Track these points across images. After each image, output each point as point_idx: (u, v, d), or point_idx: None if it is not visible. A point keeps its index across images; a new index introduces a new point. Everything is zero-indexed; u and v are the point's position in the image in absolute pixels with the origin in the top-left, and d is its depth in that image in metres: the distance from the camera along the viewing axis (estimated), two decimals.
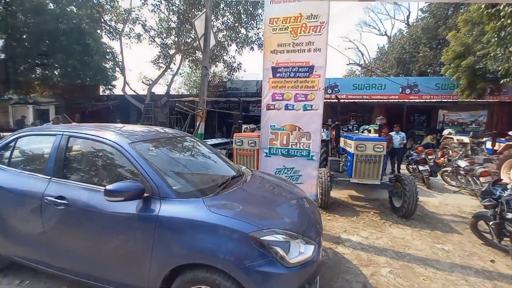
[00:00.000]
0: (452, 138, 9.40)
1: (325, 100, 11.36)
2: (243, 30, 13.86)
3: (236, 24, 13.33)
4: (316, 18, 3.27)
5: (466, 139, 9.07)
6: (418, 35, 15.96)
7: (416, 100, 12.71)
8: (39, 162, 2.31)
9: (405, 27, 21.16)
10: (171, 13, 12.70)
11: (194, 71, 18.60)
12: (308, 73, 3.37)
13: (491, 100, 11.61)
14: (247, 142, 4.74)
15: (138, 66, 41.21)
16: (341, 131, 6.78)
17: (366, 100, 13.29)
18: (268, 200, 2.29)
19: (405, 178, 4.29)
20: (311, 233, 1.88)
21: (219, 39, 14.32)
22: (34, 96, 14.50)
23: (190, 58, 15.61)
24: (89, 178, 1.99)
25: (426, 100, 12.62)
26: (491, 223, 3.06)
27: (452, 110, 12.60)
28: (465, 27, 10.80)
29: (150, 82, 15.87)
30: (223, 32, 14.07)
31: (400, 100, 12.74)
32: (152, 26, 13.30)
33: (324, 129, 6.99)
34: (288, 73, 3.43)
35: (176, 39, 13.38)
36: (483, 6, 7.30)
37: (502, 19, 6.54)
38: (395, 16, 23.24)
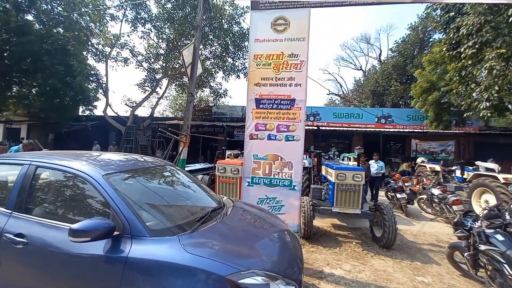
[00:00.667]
0: (425, 166, 9.96)
1: (307, 127, 11.73)
2: (230, 60, 14.51)
3: (224, 54, 13.98)
4: (297, 57, 3.53)
5: (437, 167, 9.65)
6: (389, 71, 17.63)
7: (390, 130, 13.58)
8: (1, 193, 2.11)
9: (378, 63, 23.34)
10: (160, 40, 13.11)
11: (180, 95, 18.79)
12: (289, 106, 3.54)
13: (457, 132, 12.69)
14: (230, 170, 4.71)
15: (123, 88, 40.94)
16: (322, 158, 6.98)
17: (346, 128, 13.97)
18: (248, 234, 2.22)
19: (384, 207, 4.39)
20: (292, 271, 1.82)
21: (207, 66, 14.84)
22: (6, 115, 13.68)
23: (177, 83, 15.86)
24: (55, 214, 1.85)
25: (400, 130, 13.54)
26: (465, 254, 3.15)
27: (423, 139, 13.56)
28: (429, 66, 12.12)
29: (134, 105, 15.71)
30: (211, 60, 14.64)
31: (376, 129, 13.54)
32: (140, 52, 13.56)
33: (307, 157, 7.15)
34: (271, 105, 3.57)
35: (164, 64, 13.67)
36: (444, 48, 8.32)
37: (463, 60, 7.45)
38: (368, 53, 25.55)
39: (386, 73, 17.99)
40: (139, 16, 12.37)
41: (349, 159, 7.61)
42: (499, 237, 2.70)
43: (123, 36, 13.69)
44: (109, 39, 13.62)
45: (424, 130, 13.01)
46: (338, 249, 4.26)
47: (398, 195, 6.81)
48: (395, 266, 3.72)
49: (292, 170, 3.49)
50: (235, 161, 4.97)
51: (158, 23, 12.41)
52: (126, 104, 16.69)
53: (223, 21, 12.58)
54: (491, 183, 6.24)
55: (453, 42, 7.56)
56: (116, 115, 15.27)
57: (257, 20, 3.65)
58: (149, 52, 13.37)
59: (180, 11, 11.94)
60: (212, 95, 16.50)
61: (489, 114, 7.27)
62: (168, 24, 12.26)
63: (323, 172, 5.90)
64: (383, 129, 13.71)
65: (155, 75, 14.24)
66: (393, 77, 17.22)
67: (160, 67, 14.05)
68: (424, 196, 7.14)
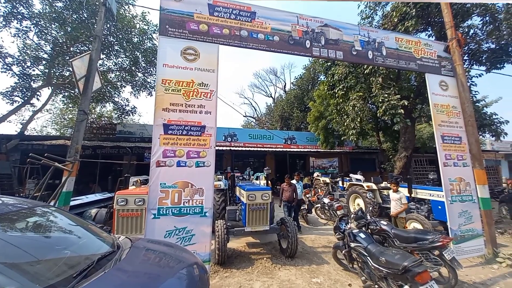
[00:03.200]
0: (319, 179, 12.16)
1: (224, 148, 11.98)
2: (140, 74, 13.31)
3: (133, 68, 12.71)
4: (207, 87, 3.69)
5: (327, 180, 11.98)
6: (292, 100, 21.03)
7: (294, 150, 15.91)
8: None
9: (283, 93, 27.41)
10: (43, 42, 10.56)
11: (71, 109, 15.39)
12: (200, 132, 3.59)
13: (338, 150, 16.31)
14: (134, 201, 4.17)
15: None
16: (237, 179, 7.29)
17: (259, 149, 15.25)
18: (150, 278, 2.00)
19: (287, 221, 5.00)
20: None
21: (111, 79, 12.99)
22: None
23: (66, 94, 12.95)
24: None
25: (301, 150, 16.08)
26: (343, 252, 3.98)
27: (317, 157, 16.61)
28: (318, 99, 15.30)
29: None
30: (116, 72, 12.96)
31: (283, 149, 15.52)
32: (9, 53, 10.35)
33: (223, 178, 7.27)
34: (181, 131, 3.51)
35: (47, 70, 10.97)
36: (326, 88, 10.77)
37: (337, 98, 9.85)
38: (276, 83, 29.72)
39: (289, 102, 21.32)
40: (15, 11, 9.61)
41: (261, 178, 8.31)
42: (362, 235, 3.60)
43: None
44: None
45: (318, 150, 16.00)
46: (251, 268, 4.44)
47: (301, 207, 7.92)
48: (297, 273, 4.22)
49: (203, 196, 3.46)
50: (140, 190, 4.45)
51: (42, 22, 10.02)
52: None
53: (133, 34, 11.58)
54: (359, 190, 8.29)
55: (331, 84, 9.98)
56: None
57: (166, 45, 3.62)
58: (24, 53, 10.43)
59: (75, 14, 10.16)
60: (116, 111, 14.37)
61: (355, 138, 9.80)
62: (57, 25, 10.12)
63: (237, 193, 6.15)
64: (289, 149, 15.89)
65: (31, 82, 11.12)
66: (295, 106, 20.59)
67: (40, 73, 11.14)
68: (319, 205, 8.62)
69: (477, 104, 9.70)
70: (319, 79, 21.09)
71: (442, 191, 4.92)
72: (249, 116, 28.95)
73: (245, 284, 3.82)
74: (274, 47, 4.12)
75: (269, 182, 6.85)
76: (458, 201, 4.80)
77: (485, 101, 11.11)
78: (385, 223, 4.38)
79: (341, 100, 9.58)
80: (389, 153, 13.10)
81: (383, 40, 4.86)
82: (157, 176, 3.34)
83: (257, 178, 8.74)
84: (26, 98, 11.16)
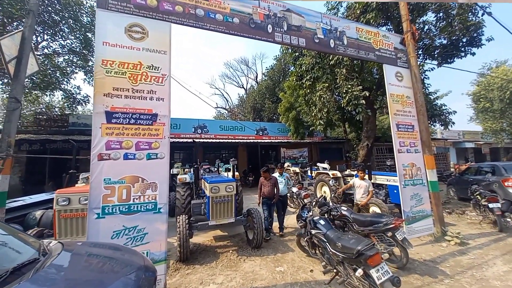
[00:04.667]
0: (289, 169, 12.39)
1: (184, 140, 11.46)
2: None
3: (85, 51, 11.35)
4: (158, 70, 3.33)
5: (297, 169, 12.26)
6: (263, 91, 20.92)
7: (265, 140, 15.94)
8: None
9: (255, 84, 27.16)
10: None
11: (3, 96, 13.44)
12: (151, 121, 3.24)
13: (308, 141, 16.75)
14: (78, 200, 3.71)
15: None
16: (204, 172, 6.99)
17: (230, 140, 14.97)
18: (77, 285, 1.73)
19: (254, 211, 4.93)
20: None
21: (59, 63, 11.48)
22: None
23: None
24: None
25: (272, 140, 16.17)
26: (305, 239, 4.03)
27: (288, 148, 16.89)
28: (289, 90, 15.37)
29: None
30: (64, 56, 11.47)
31: (255, 140, 15.44)
32: None
33: (190, 171, 6.90)
34: (128, 120, 3.13)
35: None
36: (294, 78, 10.78)
37: (305, 89, 9.91)
38: (248, 74, 29.27)
39: (261, 93, 21.19)
40: None
41: (229, 170, 8.11)
42: (322, 222, 3.64)
43: None
44: None
45: (289, 141, 16.24)
46: (215, 262, 4.30)
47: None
48: (262, 263, 4.19)
49: (156, 191, 3.16)
50: (84, 188, 3.97)
51: None
52: None
53: (82, 12, 10.26)
54: (326, 178, 8.58)
55: (299, 74, 10.00)
56: None
57: (106, 20, 3.13)
58: None
59: None
60: (65, 100, 12.85)
61: (322, 128, 10.05)
62: None
63: (202, 186, 5.89)
64: (261, 140, 15.87)
65: None
66: (267, 97, 20.54)
67: None
68: (289, 194, 8.75)
69: (429, 96, 10.53)
70: (289, 70, 21.25)
71: (397, 176, 5.24)
72: (221, 108, 28.28)
73: (207, 279, 3.67)
74: (234, 30, 3.86)
75: (238, 173, 6.67)
76: (410, 185, 5.15)
77: (436, 93, 12.13)
78: (345, 208, 4.53)
79: (308, 91, 9.68)
80: (353, 142, 13.79)
81: (345, 29, 4.88)
82: (99, 171, 2.95)
83: (225, 170, 8.54)
84: None
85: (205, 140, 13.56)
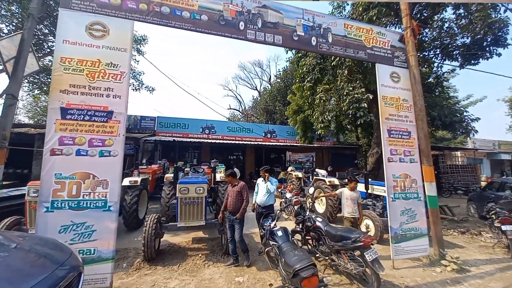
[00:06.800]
0: (292, 174, 11.95)
1: (201, 140, 11.52)
2: None
3: None
4: (116, 67, 3.33)
5: (300, 174, 11.78)
6: (275, 93, 20.62)
7: (272, 144, 15.65)
8: None
9: (269, 86, 26.94)
10: None
11: (39, 95, 14.70)
12: (106, 118, 3.24)
13: (317, 145, 16.12)
14: None
15: None
16: (192, 172, 6.97)
17: (233, 142, 14.91)
18: None
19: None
20: None
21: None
22: None
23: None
24: None
25: (279, 144, 15.82)
26: (266, 249, 3.72)
27: (295, 151, 16.40)
28: (298, 92, 14.96)
29: None
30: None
31: (260, 143, 15.23)
32: None
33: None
34: (82, 116, 3.15)
35: None
36: (297, 80, 10.42)
37: (305, 91, 9.54)
38: (262, 76, 29.13)
39: (272, 95, 20.91)
40: None
41: (219, 171, 8.02)
42: (279, 233, 3.36)
43: None
44: None
45: (296, 144, 15.76)
46: (179, 265, 4.19)
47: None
48: (224, 271, 3.98)
49: (107, 189, 3.14)
50: None
51: None
52: None
53: None
54: (322, 185, 8.10)
55: (302, 76, 9.64)
56: None
57: (67, 19, 3.21)
58: None
59: None
60: None
61: (323, 132, 9.56)
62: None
63: None
64: (267, 143, 15.61)
65: None
66: (278, 99, 20.22)
67: None
68: (283, 200, 8.42)
69: (448, 100, 9.54)
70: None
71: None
72: (234, 109, 28.44)
73: (160, 283, 3.56)
74: (202, 27, 3.75)
75: (226, 176, 6.53)
76: (401, 198, 4.61)
77: (456, 97, 10.96)
78: (320, 219, 4.17)
79: (309, 93, 9.28)
80: (363, 149, 12.97)
81: (330, 26, 4.53)
82: (51, 166, 3.00)
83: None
84: None
85: (219, 141, 13.63)
